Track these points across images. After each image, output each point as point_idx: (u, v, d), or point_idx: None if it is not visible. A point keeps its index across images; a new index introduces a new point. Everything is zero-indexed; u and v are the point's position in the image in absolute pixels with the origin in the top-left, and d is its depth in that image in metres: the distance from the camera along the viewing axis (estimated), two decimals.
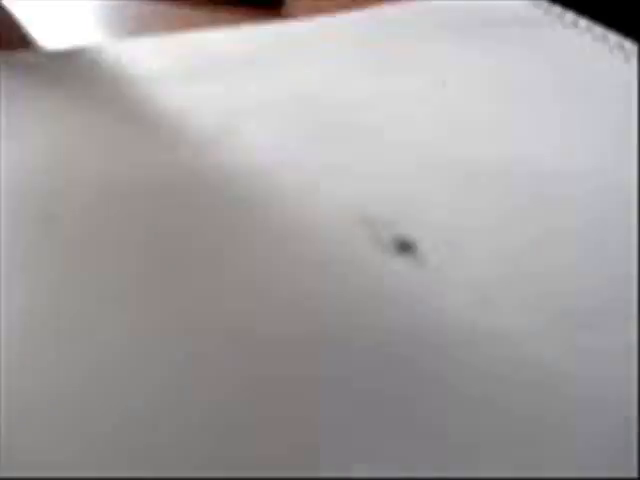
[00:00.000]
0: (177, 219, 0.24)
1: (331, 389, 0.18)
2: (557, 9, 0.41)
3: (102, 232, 0.23)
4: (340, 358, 0.19)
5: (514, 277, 0.22)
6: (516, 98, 0.32)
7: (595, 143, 0.29)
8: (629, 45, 0.36)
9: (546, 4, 0.41)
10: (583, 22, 0.39)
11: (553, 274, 0.23)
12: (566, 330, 0.20)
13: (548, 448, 0.17)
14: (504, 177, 0.27)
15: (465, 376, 0.19)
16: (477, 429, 0.18)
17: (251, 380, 0.18)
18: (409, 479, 0.17)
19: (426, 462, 0.17)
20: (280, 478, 0.16)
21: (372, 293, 0.21)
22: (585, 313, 0.21)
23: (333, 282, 0.22)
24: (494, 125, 0.30)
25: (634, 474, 0.17)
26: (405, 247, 0.23)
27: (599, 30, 0.38)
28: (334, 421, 0.17)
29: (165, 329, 0.19)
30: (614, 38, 0.37)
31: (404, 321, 0.20)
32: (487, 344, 0.20)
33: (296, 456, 0.17)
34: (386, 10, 0.41)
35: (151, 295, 0.20)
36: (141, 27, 0.38)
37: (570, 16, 0.40)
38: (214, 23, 0.39)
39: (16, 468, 0.16)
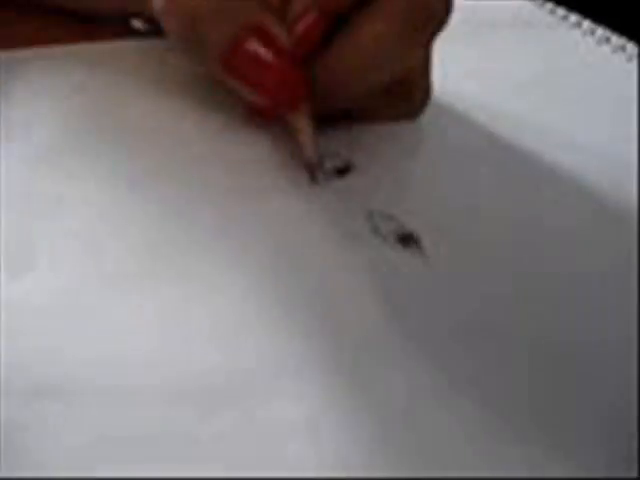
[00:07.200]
0: None
1: None
2: (561, 10, 0.41)
3: None
4: None
5: None
6: (515, 96, 0.32)
7: (596, 143, 0.29)
8: (631, 47, 0.37)
9: (550, 5, 0.41)
10: (587, 23, 0.39)
11: None
12: None
13: None
14: None
15: None
16: None
17: None
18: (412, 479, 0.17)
19: None
20: (287, 479, 0.17)
21: None
22: None
23: None
24: None
25: (634, 474, 0.17)
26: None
27: (602, 32, 0.38)
28: None
29: None
30: (616, 40, 0.37)
31: None
32: None
33: None
34: None
35: None
36: None
37: (574, 17, 0.40)
38: None
39: None
